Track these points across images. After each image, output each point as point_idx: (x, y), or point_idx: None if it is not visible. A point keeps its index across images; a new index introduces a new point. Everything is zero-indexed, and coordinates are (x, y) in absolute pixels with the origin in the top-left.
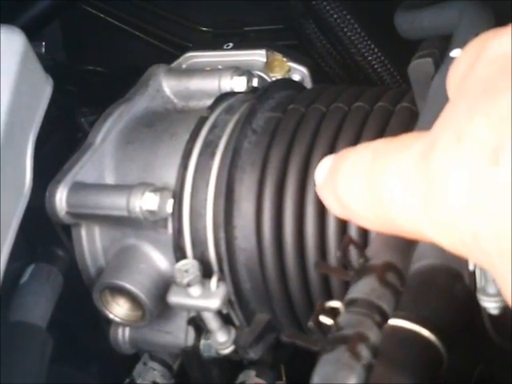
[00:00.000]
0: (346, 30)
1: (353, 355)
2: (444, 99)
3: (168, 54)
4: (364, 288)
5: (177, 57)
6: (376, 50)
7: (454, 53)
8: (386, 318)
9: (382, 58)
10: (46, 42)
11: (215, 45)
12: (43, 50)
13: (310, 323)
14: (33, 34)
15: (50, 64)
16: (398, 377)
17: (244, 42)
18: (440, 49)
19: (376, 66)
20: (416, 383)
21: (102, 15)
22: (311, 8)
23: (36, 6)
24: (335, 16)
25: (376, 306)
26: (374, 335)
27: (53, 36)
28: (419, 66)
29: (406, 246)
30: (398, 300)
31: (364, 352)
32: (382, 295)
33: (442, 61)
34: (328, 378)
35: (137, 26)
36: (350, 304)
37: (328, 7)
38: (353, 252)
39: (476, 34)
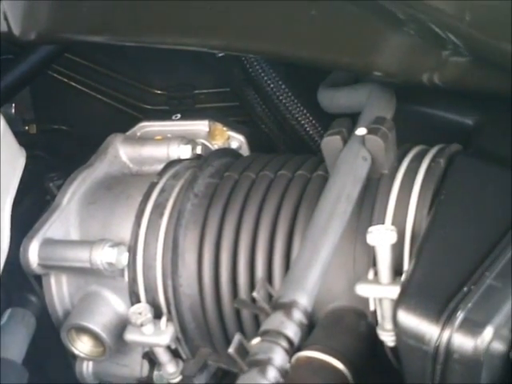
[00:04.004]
0: (280, 97)
1: (263, 375)
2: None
3: (126, 114)
4: (274, 321)
5: (134, 116)
6: (308, 114)
7: (359, 131)
8: (292, 344)
9: (313, 121)
10: (16, 103)
11: (165, 116)
12: (13, 110)
13: (230, 350)
14: (7, 101)
15: (22, 133)
16: None
17: (191, 112)
18: (347, 128)
19: (308, 129)
20: None
21: (65, 80)
22: (250, 76)
23: (10, 75)
24: (271, 85)
25: (284, 335)
26: (281, 359)
27: (22, 98)
28: (330, 141)
29: (311, 287)
30: (303, 330)
31: (273, 372)
32: (288, 327)
33: (348, 137)
34: None
35: (98, 90)
36: (263, 334)
37: (265, 77)
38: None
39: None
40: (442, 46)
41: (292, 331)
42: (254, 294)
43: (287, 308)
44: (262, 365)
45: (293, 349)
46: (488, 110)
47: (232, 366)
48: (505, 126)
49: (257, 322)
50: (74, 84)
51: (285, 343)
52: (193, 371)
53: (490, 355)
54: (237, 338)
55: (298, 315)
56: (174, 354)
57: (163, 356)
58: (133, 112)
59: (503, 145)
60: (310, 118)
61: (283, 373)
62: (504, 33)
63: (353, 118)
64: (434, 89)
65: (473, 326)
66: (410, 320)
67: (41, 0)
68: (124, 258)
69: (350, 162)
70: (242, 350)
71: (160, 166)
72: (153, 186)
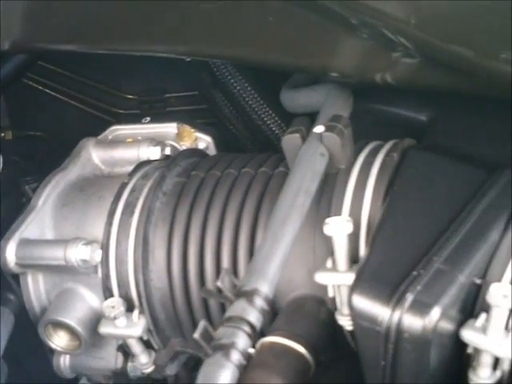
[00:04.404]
0: (247, 98)
1: (227, 358)
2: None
3: (99, 119)
4: (237, 308)
5: (106, 121)
6: (273, 114)
7: (317, 129)
8: (254, 329)
9: (279, 121)
10: None
11: (134, 118)
12: None
13: (195, 335)
14: None
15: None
16: (277, 380)
17: (161, 115)
18: (306, 126)
19: (274, 129)
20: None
21: (40, 87)
22: (217, 80)
23: None
24: (238, 87)
25: (246, 321)
26: (243, 343)
27: None
28: (289, 139)
29: (271, 276)
30: (264, 316)
31: (236, 355)
32: (250, 313)
33: (307, 135)
34: (208, 377)
35: (71, 96)
36: (227, 320)
37: (232, 80)
38: (228, 283)
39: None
40: (392, 48)
41: (254, 317)
42: (218, 284)
43: (249, 296)
44: (225, 349)
45: (255, 333)
46: (440, 106)
47: (198, 350)
48: (455, 122)
49: (224, 311)
50: (47, 91)
51: (247, 328)
52: (164, 361)
53: (438, 334)
54: (201, 324)
55: (259, 302)
56: (147, 345)
57: (136, 347)
58: (105, 117)
59: (453, 139)
60: (276, 118)
61: (246, 356)
62: (450, 34)
63: (312, 117)
64: (388, 87)
65: (421, 307)
66: (364, 303)
67: (14, 11)
68: (97, 255)
69: (309, 158)
70: (208, 336)
71: (131, 167)
72: (123, 186)
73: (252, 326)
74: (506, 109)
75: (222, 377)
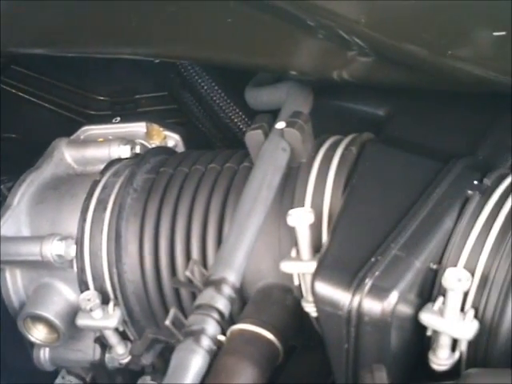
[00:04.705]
0: (214, 97)
1: (197, 343)
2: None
3: (72, 120)
4: (206, 296)
5: (79, 122)
6: (240, 112)
7: (278, 125)
8: (222, 316)
9: (245, 119)
10: None
11: (106, 119)
12: None
13: (167, 322)
14: None
15: None
16: (247, 365)
17: (131, 116)
18: (268, 122)
19: (241, 126)
20: (259, 370)
21: (13, 91)
22: (185, 80)
23: None
24: (205, 87)
25: (215, 308)
26: (213, 329)
27: None
28: (252, 135)
29: (238, 265)
30: (232, 303)
31: (206, 341)
32: (218, 300)
33: (269, 131)
34: (180, 361)
35: (45, 99)
36: (197, 308)
37: (199, 80)
38: (197, 273)
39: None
40: (347, 47)
41: (222, 304)
42: (187, 273)
43: (217, 284)
44: (196, 335)
45: (224, 320)
46: (397, 101)
47: (170, 337)
48: (411, 116)
49: (195, 300)
50: (21, 94)
51: (216, 315)
52: (140, 351)
53: (397, 317)
54: (172, 311)
55: (227, 290)
56: (123, 336)
57: (112, 338)
58: (78, 118)
59: (409, 132)
60: (243, 116)
61: (215, 341)
62: (400, 33)
63: (275, 114)
64: (345, 84)
65: (380, 292)
66: (326, 289)
67: None
68: (72, 250)
69: (271, 153)
70: (179, 323)
71: (102, 166)
72: (95, 183)
73: (220, 313)
74: (458, 102)
75: (193, 361)
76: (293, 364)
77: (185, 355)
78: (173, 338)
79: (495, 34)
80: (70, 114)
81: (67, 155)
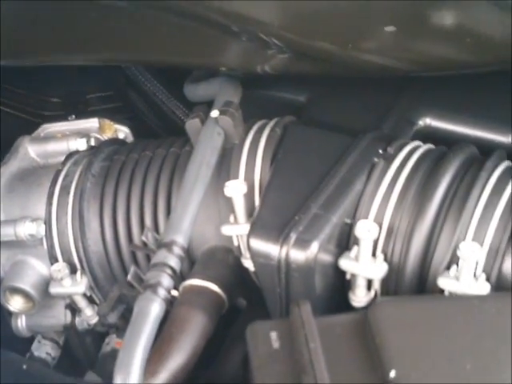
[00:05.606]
0: (157, 94)
1: (155, 294)
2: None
3: (30, 122)
4: (159, 256)
5: (36, 123)
6: (181, 106)
7: (213, 113)
8: (175, 272)
9: (186, 111)
10: None
11: (60, 119)
12: None
13: (128, 278)
14: None
15: None
16: (196, 313)
17: (83, 114)
18: (204, 112)
19: (182, 118)
20: (208, 317)
21: None
22: (130, 80)
23: None
24: (148, 85)
25: (168, 265)
26: (167, 282)
27: None
28: (191, 123)
29: (185, 230)
30: (182, 261)
31: (162, 291)
32: (170, 259)
33: (206, 119)
34: (142, 309)
35: (3, 104)
36: (153, 266)
37: (142, 79)
38: (151, 238)
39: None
40: (267, 47)
41: (173, 262)
42: (143, 238)
43: (168, 246)
44: (153, 287)
45: (176, 275)
46: (316, 88)
47: (132, 291)
48: (328, 100)
49: (149, 263)
50: None
51: (169, 271)
52: (106, 311)
53: (320, 264)
54: (132, 269)
55: (177, 250)
56: (90, 300)
57: (81, 303)
58: (35, 119)
59: (326, 114)
60: (184, 109)
61: (169, 292)
62: (308, 31)
63: (210, 105)
64: (269, 76)
65: (303, 243)
66: (259, 244)
67: None
68: (42, 230)
69: (208, 137)
70: (138, 279)
71: (62, 158)
72: (58, 172)
73: (173, 269)
74: (365, 86)
75: (152, 308)
76: (240, 321)
77: (145, 304)
78: (134, 292)
79: (386, 29)
80: (27, 116)
81: (30, 150)
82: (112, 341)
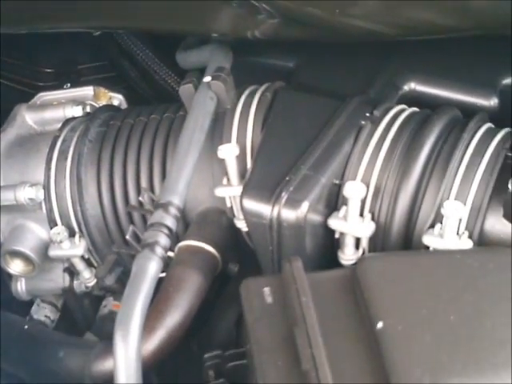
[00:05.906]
0: (149, 63)
1: (153, 252)
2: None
3: (24, 93)
4: (156, 216)
5: (31, 94)
6: (173, 74)
7: (205, 79)
8: (171, 231)
9: (178, 79)
10: None
11: (58, 86)
12: None
13: (127, 237)
14: None
15: None
16: (192, 272)
17: (76, 84)
18: (197, 77)
19: (174, 86)
20: (203, 276)
21: None
22: (122, 49)
23: None
24: (140, 54)
25: (164, 225)
26: (164, 241)
27: None
28: (185, 89)
29: (180, 191)
30: (178, 221)
31: (159, 250)
32: (167, 219)
33: (199, 84)
34: (140, 267)
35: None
36: (150, 226)
37: (134, 48)
38: (148, 199)
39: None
40: (257, 12)
41: (170, 221)
42: (140, 199)
43: (165, 206)
44: (151, 246)
45: (172, 234)
46: (304, 54)
47: (130, 250)
48: (316, 65)
49: (146, 224)
50: None
51: (166, 230)
52: (103, 274)
53: (310, 223)
54: (131, 228)
55: (173, 211)
56: (88, 263)
57: (80, 265)
58: (30, 90)
59: (315, 79)
60: (175, 77)
61: (166, 250)
62: None
63: (202, 71)
64: (258, 41)
65: (293, 203)
66: (251, 204)
67: None
68: (41, 194)
69: (201, 102)
70: (136, 238)
71: (59, 125)
72: (56, 138)
73: (169, 229)
74: (352, 51)
75: (150, 266)
76: (232, 283)
77: (143, 262)
78: (132, 250)
79: None
80: (22, 87)
81: (28, 118)
82: (109, 303)
